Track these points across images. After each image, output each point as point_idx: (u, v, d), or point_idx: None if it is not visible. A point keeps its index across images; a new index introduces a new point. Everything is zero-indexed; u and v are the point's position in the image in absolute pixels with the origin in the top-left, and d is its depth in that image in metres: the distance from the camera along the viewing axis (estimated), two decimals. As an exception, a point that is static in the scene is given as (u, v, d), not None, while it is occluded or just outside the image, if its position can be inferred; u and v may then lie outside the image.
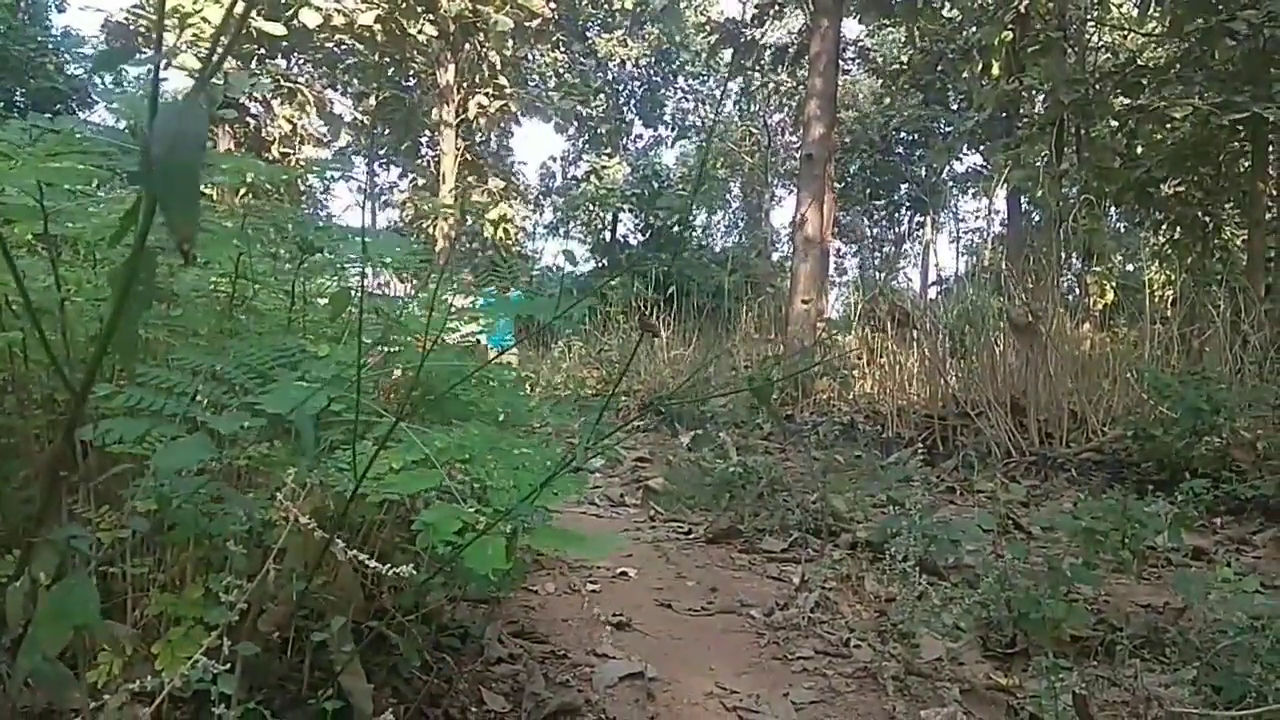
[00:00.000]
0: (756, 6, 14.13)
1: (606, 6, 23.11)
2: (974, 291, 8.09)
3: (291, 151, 14.66)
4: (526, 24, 14.97)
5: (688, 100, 29.35)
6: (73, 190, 1.55)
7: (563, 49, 22.39)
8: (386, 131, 19.96)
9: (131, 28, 13.13)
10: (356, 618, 1.65)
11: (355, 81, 18.87)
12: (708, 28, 17.01)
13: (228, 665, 1.13)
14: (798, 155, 12.78)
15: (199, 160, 0.45)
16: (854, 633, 2.67)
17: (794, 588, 3.14)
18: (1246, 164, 11.47)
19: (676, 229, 21.59)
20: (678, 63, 27.57)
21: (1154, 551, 3.47)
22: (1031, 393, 5.96)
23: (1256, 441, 4.43)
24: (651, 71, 28.19)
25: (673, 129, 29.41)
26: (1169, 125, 12.00)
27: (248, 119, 14.08)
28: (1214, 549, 3.84)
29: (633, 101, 29.06)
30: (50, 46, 21.97)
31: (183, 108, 0.46)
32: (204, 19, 10.95)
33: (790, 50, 14.99)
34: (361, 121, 18.17)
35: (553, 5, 15.85)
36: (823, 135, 10.36)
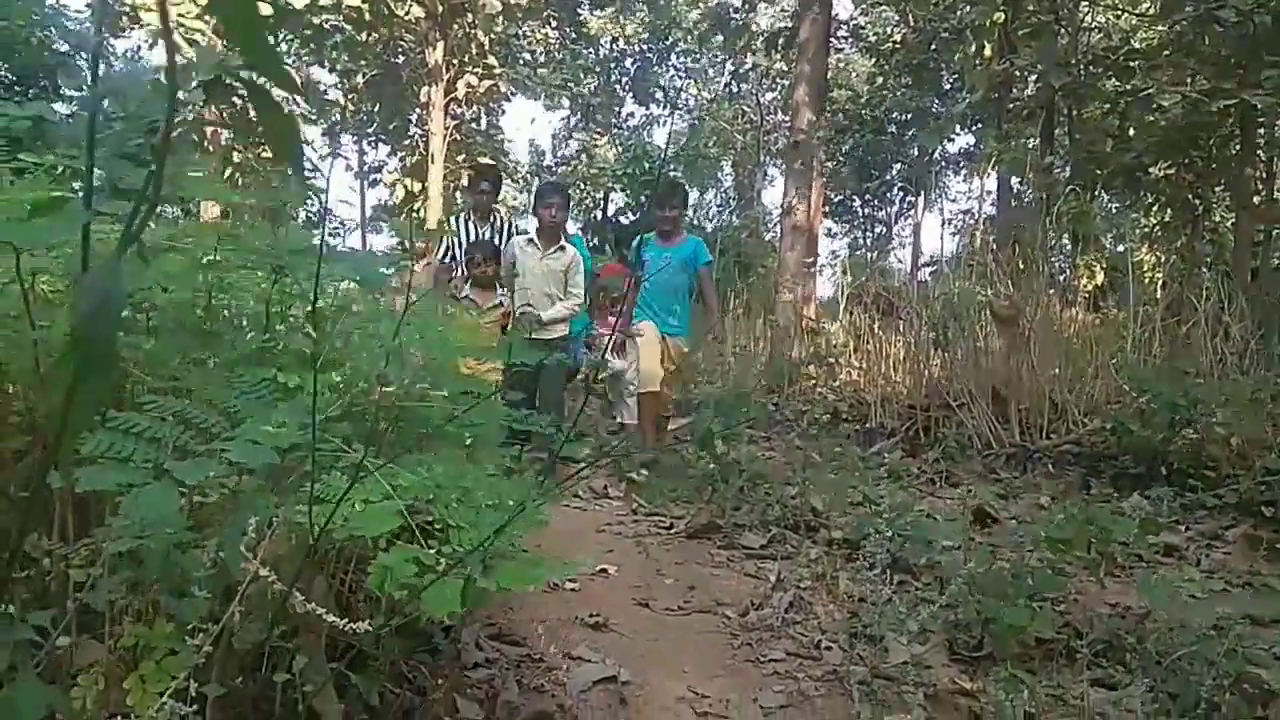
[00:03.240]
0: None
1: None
2: (958, 279, 8.12)
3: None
4: (515, 2, 14.84)
5: (680, 78, 29.20)
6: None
7: (553, 26, 22.19)
8: (375, 109, 19.80)
9: (117, 4, 12.98)
10: (331, 631, 1.69)
11: (344, 58, 18.68)
12: (699, 8, 16.89)
13: (196, 701, 1.17)
14: (789, 137, 12.74)
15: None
16: (826, 634, 2.72)
17: (770, 586, 3.19)
18: (1237, 148, 11.46)
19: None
20: (670, 39, 27.37)
21: (1126, 548, 3.53)
22: (1014, 383, 6.00)
23: (1230, 437, 4.48)
24: (644, 49, 27.99)
25: (665, 107, 29.25)
26: (1159, 109, 11.98)
27: (234, 99, 13.93)
28: (1185, 545, 3.90)
29: (625, 79, 28.88)
30: (36, 20, 21.65)
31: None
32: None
33: (782, 35, 14.92)
34: (347, 104, 18.02)
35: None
36: (811, 121, 10.33)
